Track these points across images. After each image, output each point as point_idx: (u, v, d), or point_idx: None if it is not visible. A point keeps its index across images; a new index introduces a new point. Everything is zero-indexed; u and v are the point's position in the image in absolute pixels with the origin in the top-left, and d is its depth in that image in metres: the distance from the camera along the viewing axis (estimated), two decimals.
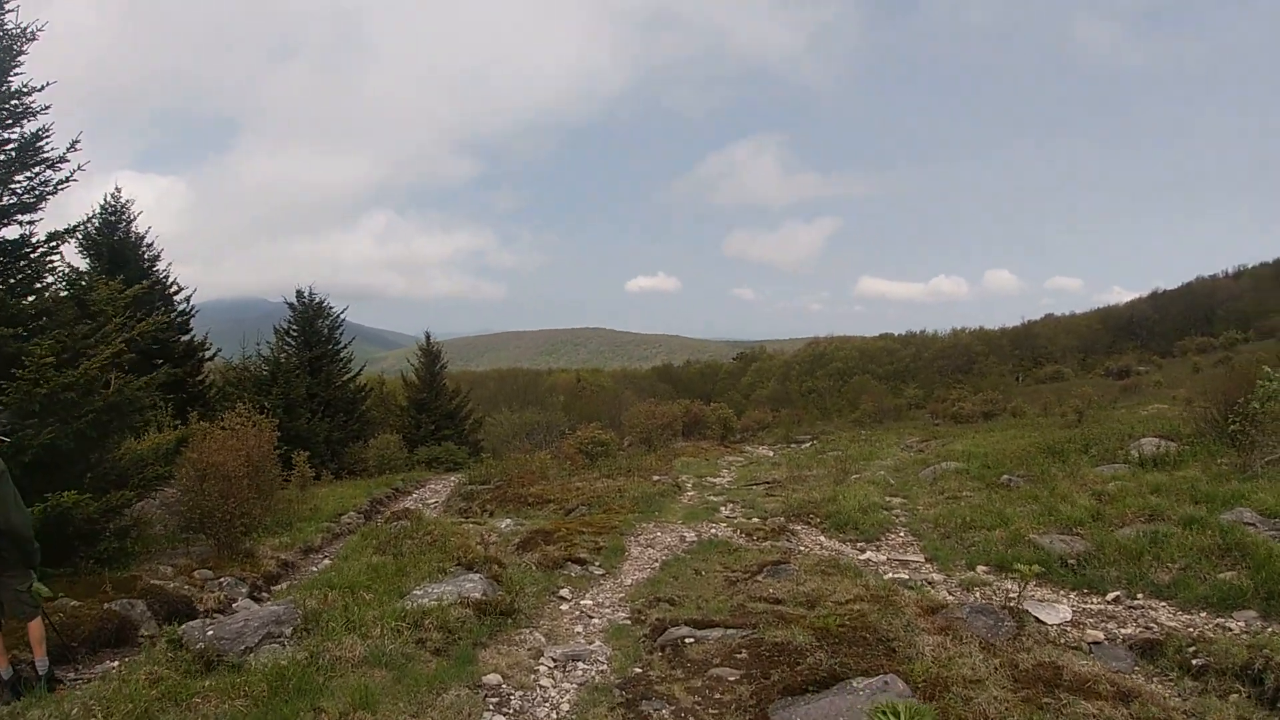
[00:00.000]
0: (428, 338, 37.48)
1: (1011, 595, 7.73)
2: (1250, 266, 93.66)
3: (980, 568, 9.08)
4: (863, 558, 9.84)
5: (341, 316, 32.83)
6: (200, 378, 24.79)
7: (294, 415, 25.34)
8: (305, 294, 31.62)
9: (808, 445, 27.59)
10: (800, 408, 58.13)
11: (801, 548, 10.29)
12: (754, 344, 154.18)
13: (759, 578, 8.35)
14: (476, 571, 8.20)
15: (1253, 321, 73.51)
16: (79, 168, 10.17)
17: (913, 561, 9.63)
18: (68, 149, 10.05)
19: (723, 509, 13.39)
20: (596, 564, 9.36)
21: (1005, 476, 13.43)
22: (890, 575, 8.91)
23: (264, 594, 9.78)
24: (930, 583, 8.60)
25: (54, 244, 10.13)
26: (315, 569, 11.22)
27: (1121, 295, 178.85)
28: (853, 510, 11.85)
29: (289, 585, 10.28)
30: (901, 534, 11.09)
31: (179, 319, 24.19)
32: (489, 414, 43.85)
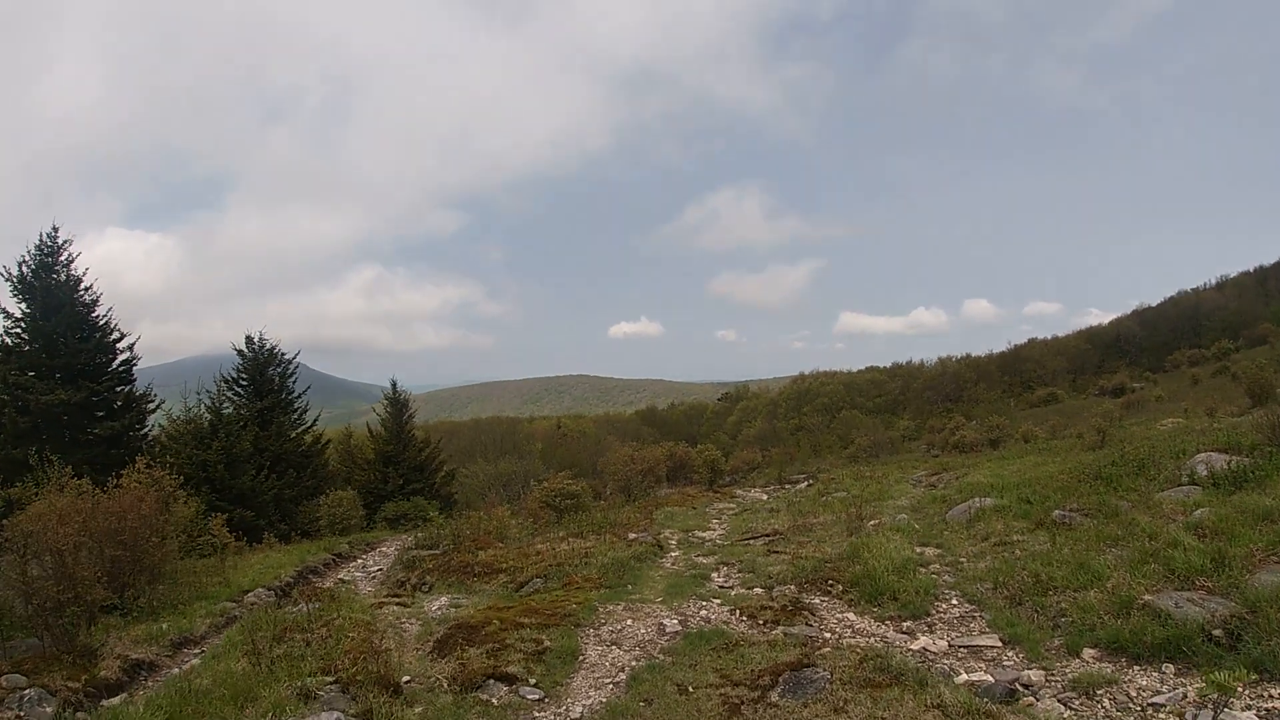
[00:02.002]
0: (394, 386, 34.94)
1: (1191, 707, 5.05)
2: (1232, 276, 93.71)
3: (1088, 652, 6.43)
4: (915, 646, 7.07)
5: (295, 363, 30.25)
6: (143, 431, 22.43)
7: (236, 471, 22.70)
8: (255, 340, 29.12)
9: (804, 485, 24.86)
10: (791, 446, 55.73)
11: (826, 633, 7.52)
12: (738, 384, 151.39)
13: (773, 697, 5.61)
14: (338, 708, 5.41)
15: (1240, 330, 73.47)
16: None
17: (987, 648, 6.90)
18: None
19: (715, 575, 10.55)
20: (532, 681, 6.43)
21: (1057, 512, 10.82)
22: (967, 678, 6.18)
23: (81, 712, 7.02)
24: (1029, 688, 5.91)
25: None
26: (177, 670, 8.45)
27: (1100, 317, 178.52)
28: (884, 572, 9.08)
29: (127, 698, 7.53)
30: (954, 601, 8.36)
31: (121, 369, 21.81)
32: (463, 465, 41.19)
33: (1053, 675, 6.18)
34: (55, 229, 20.73)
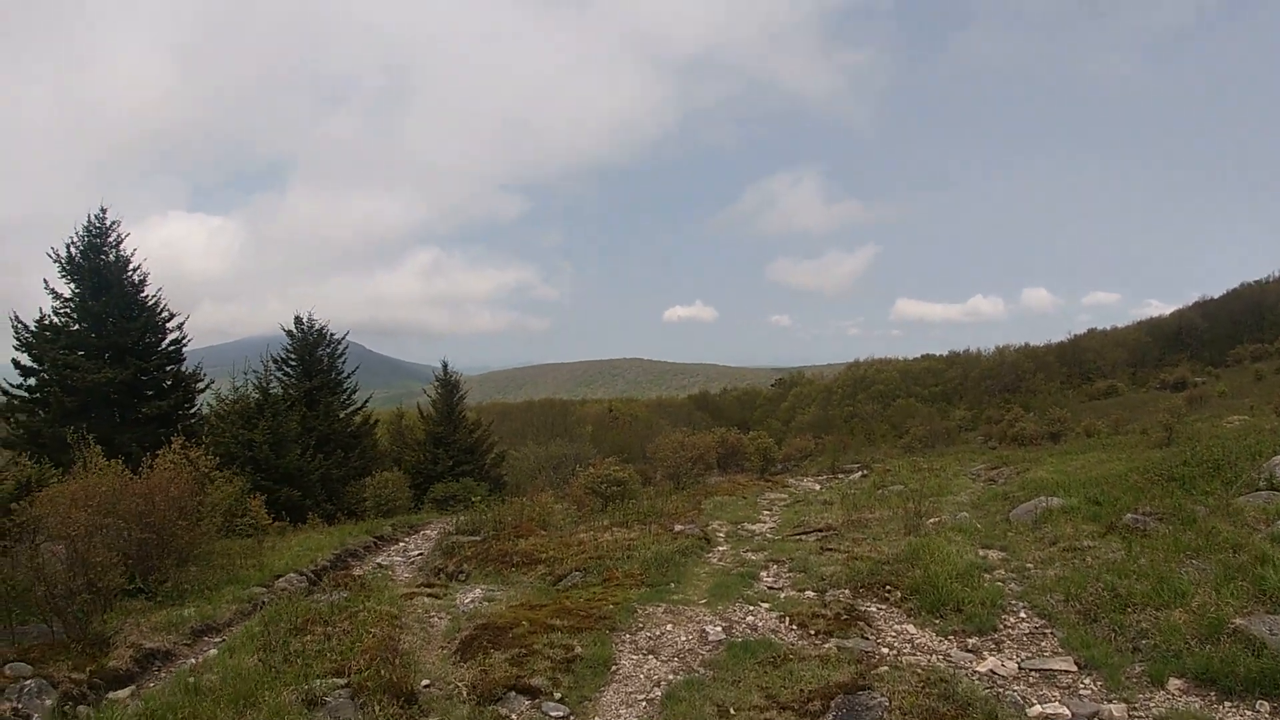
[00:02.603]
0: (444, 367, 34.67)
1: None
2: None
3: (1174, 683, 5.72)
4: (982, 668, 6.36)
5: (344, 344, 30.24)
6: (192, 410, 22.53)
7: (283, 451, 22.65)
8: (304, 320, 29.15)
9: (858, 475, 24.02)
10: (844, 434, 54.70)
11: (884, 648, 6.84)
12: (792, 369, 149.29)
13: None
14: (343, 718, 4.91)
15: None
16: None
17: (1061, 673, 6.17)
18: None
19: (764, 574, 9.88)
20: (557, 695, 5.83)
21: (1129, 515, 9.96)
22: (1041, 710, 5.48)
23: (83, 705, 6.65)
24: None
25: None
26: (193, 660, 8.07)
27: (1160, 308, 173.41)
28: (946, 578, 8.33)
29: (135, 690, 7.17)
30: (1023, 614, 7.60)
31: (171, 348, 21.87)
32: (514, 447, 41.00)
33: (1136, 710, 5.47)
34: (104, 210, 20.76)
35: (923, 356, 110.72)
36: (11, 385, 19.21)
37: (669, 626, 7.49)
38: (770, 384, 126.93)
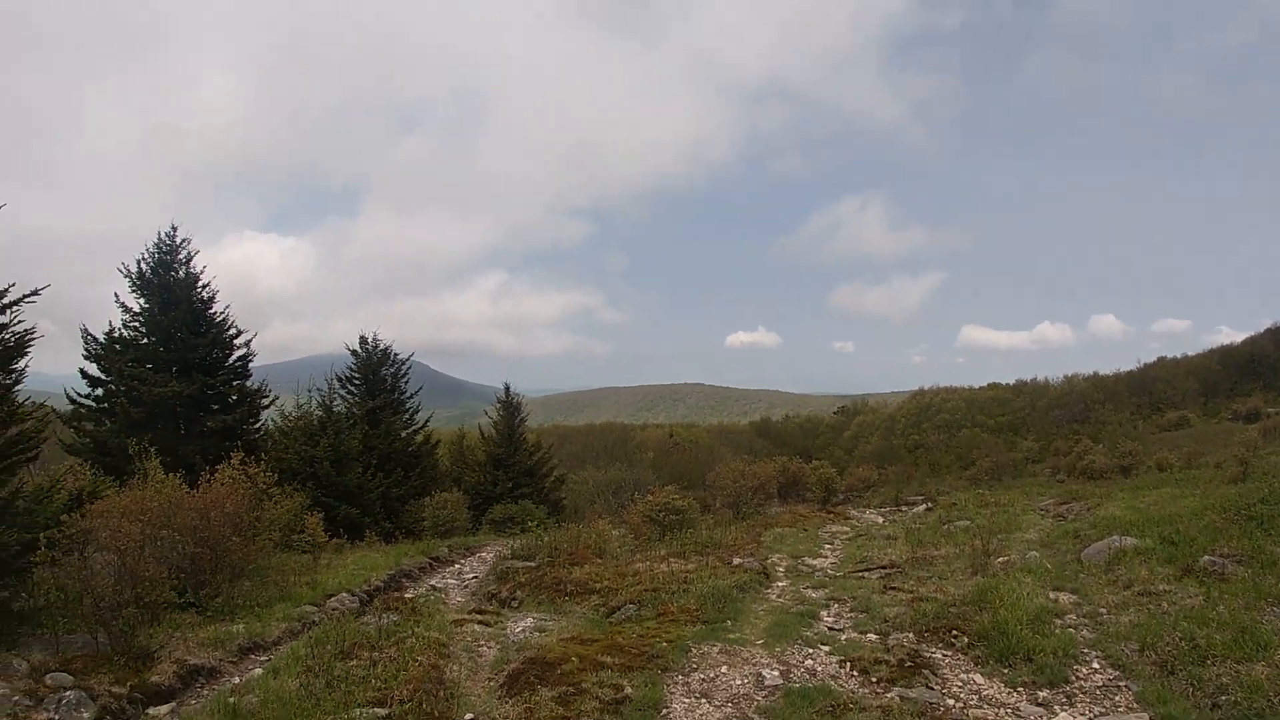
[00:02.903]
0: (506, 389, 34.84)
1: None
2: None
3: None
4: None
5: (408, 364, 30.55)
6: (256, 424, 22.92)
7: (344, 468, 22.88)
8: (369, 340, 29.58)
9: (922, 508, 23.26)
10: (908, 464, 53.49)
11: (950, 699, 6.41)
12: (855, 397, 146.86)
13: None
14: None
15: None
16: None
17: None
18: None
19: (824, 614, 9.46)
20: None
21: (1206, 558, 9.36)
22: None
23: None
24: None
25: None
26: (237, 679, 7.99)
27: (1231, 335, 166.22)
28: (1015, 624, 7.85)
29: (175, 708, 7.10)
30: (1095, 664, 7.09)
31: (237, 364, 22.30)
32: (573, 471, 40.89)
33: None
34: (174, 228, 21.26)
35: (989, 385, 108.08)
36: (80, 395, 19.71)
37: (724, 668, 7.14)
38: (833, 411, 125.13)
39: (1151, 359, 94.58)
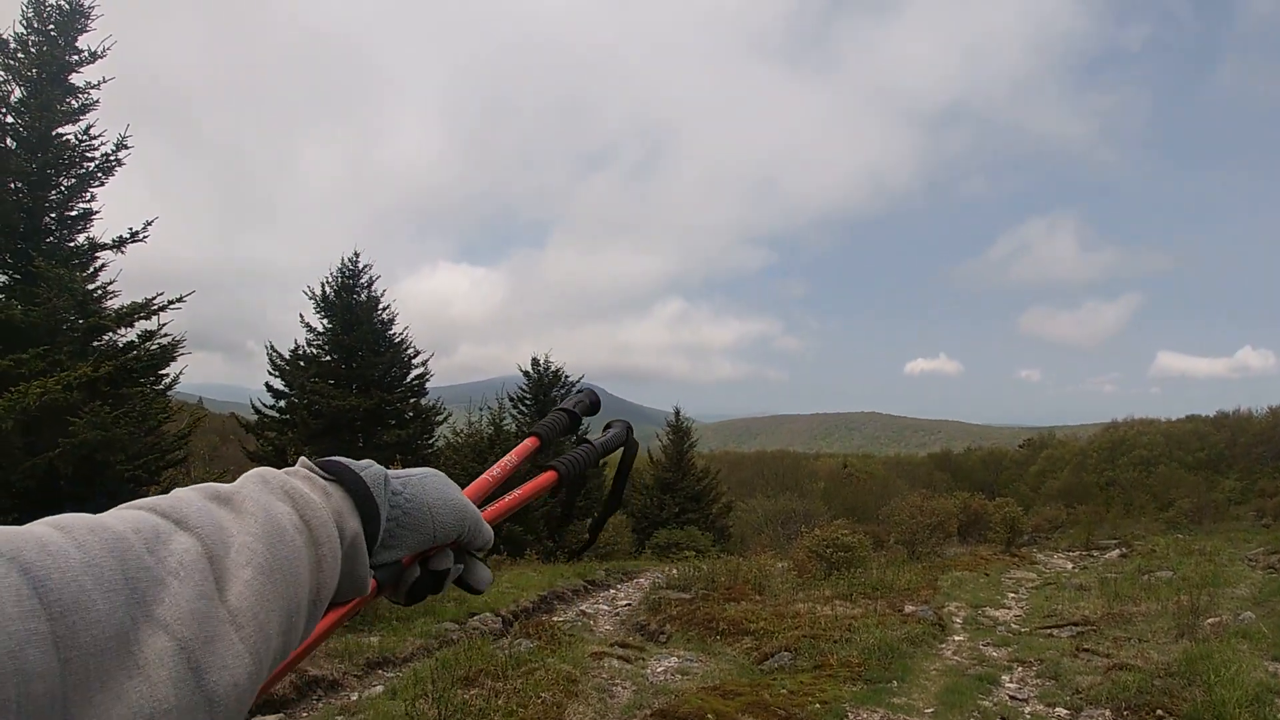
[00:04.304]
0: (677, 413, 34.44)
1: None
2: None
3: None
4: None
5: (577, 386, 30.65)
6: (430, 440, 23.55)
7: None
8: (540, 361, 29.86)
9: (1115, 554, 20.94)
10: (1099, 504, 49.17)
11: None
12: (1040, 429, 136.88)
13: None
14: None
15: None
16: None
17: None
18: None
19: (1006, 679, 8.14)
20: None
21: None
22: None
23: None
24: None
25: None
26: (356, 695, 7.64)
27: None
28: (1234, 705, 6.35)
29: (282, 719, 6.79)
30: None
31: (414, 382, 23.03)
32: (742, 498, 39.90)
33: None
34: (356, 255, 22.18)
35: (1187, 417, 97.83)
36: (265, 405, 20.80)
37: None
38: (1017, 445, 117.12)
39: None
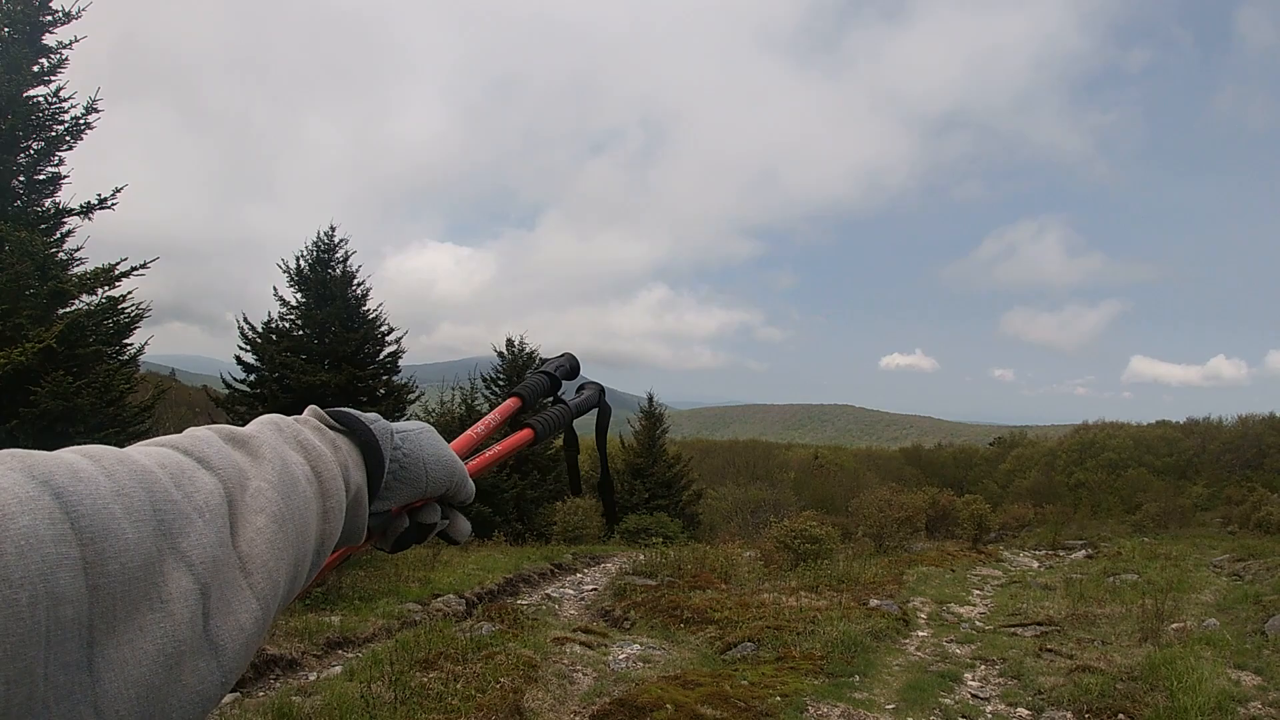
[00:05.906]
0: (650, 399, 34.47)
1: None
2: None
3: None
4: None
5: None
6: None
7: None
8: (515, 343, 29.70)
9: (1081, 554, 21.19)
10: (1067, 504, 49.98)
11: None
12: (1011, 428, 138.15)
13: None
14: None
15: None
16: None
17: None
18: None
19: (968, 677, 8.16)
20: None
21: None
22: None
23: None
24: None
25: None
26: (315, 675, 7.55)
27: None
28: (1195, 712, 6.37)
29: (238, 699, 6.67)
30: None
31: (387, 359, 22.80)
32: (712, 486, 40.01)
33: None
34: (332, 228, 21.81)
35: (1158, 423, 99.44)
36: (234, 379, 20.48)
37: None
38: (988, 443, 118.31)
39: None
